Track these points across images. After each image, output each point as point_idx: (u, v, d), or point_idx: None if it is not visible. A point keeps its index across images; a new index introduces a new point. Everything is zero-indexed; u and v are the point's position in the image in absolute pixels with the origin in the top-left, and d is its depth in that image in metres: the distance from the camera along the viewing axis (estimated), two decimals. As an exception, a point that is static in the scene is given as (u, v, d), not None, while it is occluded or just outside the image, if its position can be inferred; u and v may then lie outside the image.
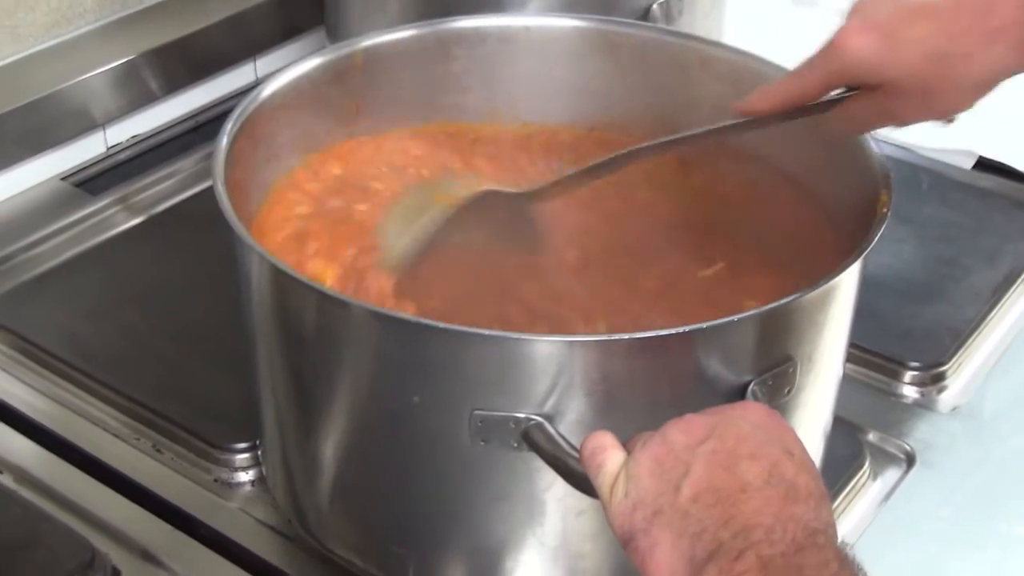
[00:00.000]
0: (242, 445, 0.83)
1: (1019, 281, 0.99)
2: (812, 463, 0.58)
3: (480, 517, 0.68)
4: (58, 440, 0.85)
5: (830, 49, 0.68)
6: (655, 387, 0.63)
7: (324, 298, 0.65)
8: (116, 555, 0.76)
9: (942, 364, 0.91)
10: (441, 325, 0.62)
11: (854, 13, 0.69)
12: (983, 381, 0.91)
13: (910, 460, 0.85)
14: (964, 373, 0.92)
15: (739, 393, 0.64)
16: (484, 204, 0.79)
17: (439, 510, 0.68)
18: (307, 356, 0.69)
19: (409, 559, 0.71)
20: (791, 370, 0.66)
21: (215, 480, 0.82)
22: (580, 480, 0.60)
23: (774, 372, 0.65)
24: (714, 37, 1.10)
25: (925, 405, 0.89)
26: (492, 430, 0.63)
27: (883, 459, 0.85)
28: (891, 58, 0.67)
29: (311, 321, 0.67)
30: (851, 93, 0.70)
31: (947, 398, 0.90)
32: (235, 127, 0.74)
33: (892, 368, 0.90)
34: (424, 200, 0.81)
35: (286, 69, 0.80)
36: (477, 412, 0.62)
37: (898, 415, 0.88)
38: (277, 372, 0.72)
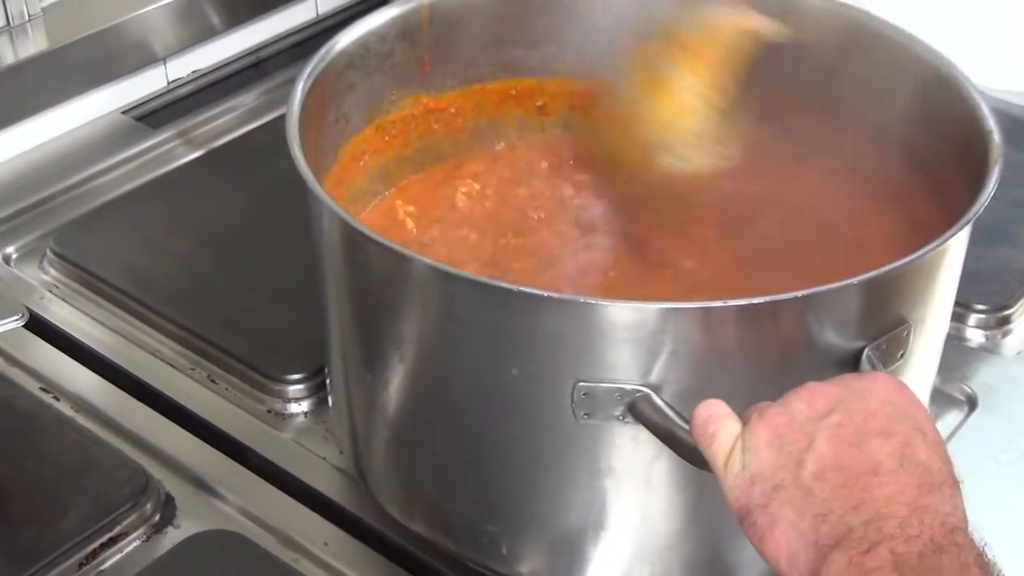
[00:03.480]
0: (296, 376, 0.83)
1: (1091, 223, 0.97)
2: (944, 445, 0.54)
3: (582, 493, 0.66)
4: (114, 369, 0.86)
5: None
6: (765, 355, 0.61)
7: (419, 265, 0.63)
8: (169, 482, 0.77)
9: (1008, 307, 0.90)
10: (545, 293, 0.60)
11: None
12: (1050, 326, 0.89)
13: (972, 404, 0.84)
14: (1030, 317, 0.90)
15: (853, 359, 0.61)
16: None
17: (537, 486, 0.67)
18: (388, 323, 0.66)
19: (502, 537, 0.69)
20: (905, 334, 0.64)
21: (268, 411, 0.82)
22: (691, 452, 0.57)
23: (889, 336, 0.63)
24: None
25: (989, 349, 0.88)
26: (597, 402, 0.61)
27: (944, 402, 0.83)
28: None
29: (398, 289, 0.65)
30: None
31: (1012, 342, 0.88)
32: (306, 87, 0.73)
33: (957, 311, 0.87)
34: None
35: (351, 27, 0.79)
36: (581, 384, 0.61)
37: (962, 358, 0.86)
38: (351, 329, 0.70)
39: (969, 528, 0.51)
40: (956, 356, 0.86)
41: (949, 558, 0.49)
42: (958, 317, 0.88)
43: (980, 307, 0.89)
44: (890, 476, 0.51)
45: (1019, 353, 0.87)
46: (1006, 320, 0.89)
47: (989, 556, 0.50)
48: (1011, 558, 0.52)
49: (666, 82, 0.80)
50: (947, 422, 0.82)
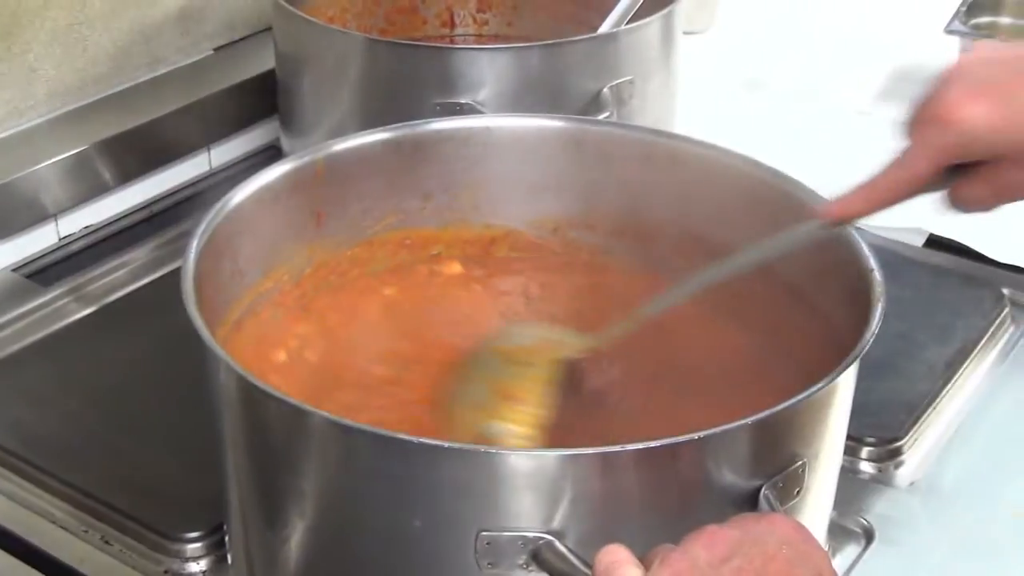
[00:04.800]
0: (194, 535, 0.81)
1: (972, 355, 1.00)
2: None
3: None
4: (4, 534, 0.83)
5: (934, 124, 0.61)
6: (665, 498, 0.61)
7: (317, 419, 0.62)
8: (62, 651, 0.75)
9: (898, 439, 0.91)
10: (445, 444, 0.60)
11: (956, 78, 0.61)
12: (940, 455, 0.91)
13: (868, 536, 0.84)
14: (920, 447, 0.92)
15: (751, 498, 0.62)
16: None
17: None
18: (289, 478, 0.66)
19: None
20: (801, 470, 0.65)
21: (166, 572, 0.80)
22: None
23: (785, 474, 0.64)
24: (665, 121, 1.12)
25: (882, 480, 0.89)
26: (500, 551, 0.61)
27: (842, 535, 0.84)
28: (1014, 124, 0.60)
29: (296, 443, 0.65)
30: (962, 171, 0.64)
31: (904, 473, 0.90)
32: (200, 242, 0.73)
33: (849, 444, 0.88)
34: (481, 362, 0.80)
35: (246, 182, 0.79)
36: (484, 533, 0.60)
37: (857, 490, 0.87)
38: (247, 488, 0.69)
39: None
40: (851, 489, 0.87)
41: None
42: (851, 450, 0.90)
43: (871, 439, 0.91)
44: None
45: (912, 484, 0.89)
46: (897, 452, 0.91)
47: None
48: None
49: None
50: (846, 555, 0.83)
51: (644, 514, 0.61)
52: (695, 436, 0.59)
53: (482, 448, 0.61)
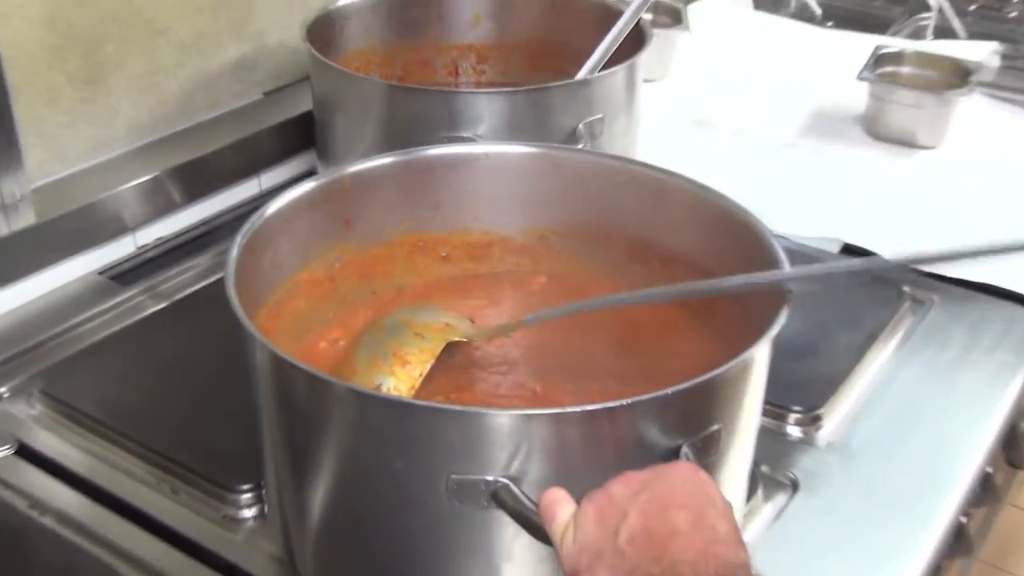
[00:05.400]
0: (246, 487, 0.81)
1: (878, 340, 1.00)
2: (732, 512, 0.56)
3: (457, 567, 0.66)
4: (92, 487, 0.83)
5: None
6: (602, 451, 0.62)
7: (315, 380, 0.64)
8: (139, 581, 0.75)
9: (819, 407, 0.91)
10: (421, 403, 0.61)
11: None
12: (852, 421, 0.91)
13: (795, 486, 0.84)
14: (837, 415, 0.92)
15: (674, 454, 0.62)
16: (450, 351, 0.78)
17: (420, 561, 0.66)
18: (302, 428, 0.67)
19: None
20: (717, 434, 0.65)
21: (223, 516, 0.81)
22: (539, 531, 0.59)
23: (703, 436, 0.64)
24: (629, 151, 1.13)
25: (806, 441, 0.89)
26: (466, 491, 0.61)
27: (773, 486, 0.84)
28: None
29: (305, 398, 0.66)
30: None
31: (823, 435, 0.90)
32: (243, 240, 0.73)
33: (779, 412, 0.90)
34: (392, 325, 0.80)
35: (285, 192, 0.80)
36: (453, 476, 0.61)
37: (785, 449, 0.88)
38: (278, 440, 0.70)
39: (751, 571, 0.53)
40: (780, 448, 0.88)
41: None
42: (779, 416, 0.90)
43: (797, 408, 0.91)
44: (685, 536, 0.54)
45: (830, 444, 0.89)
46: (818, 418, 0.91)
47: None
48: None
49: None
50: (777, 501, 0.83)
51: (584, 465, 0.62)
52: (627, 402, 0.60)
53: (450, 407, 0.62)
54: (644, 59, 1.12)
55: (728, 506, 0.57)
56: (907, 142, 1.33)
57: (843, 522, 0.81)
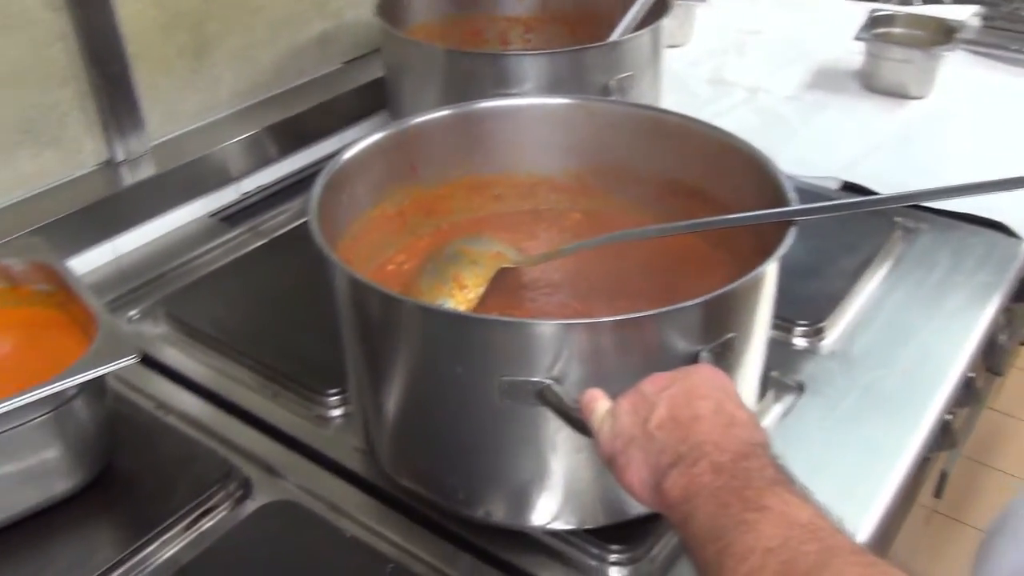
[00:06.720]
0: (333, 391, 0.80)
1: (873, 263, 0.96)
2: (747, 405, 0.54)
3: (509, 455, 0.64)
4: (207, 391, 0.83)
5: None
6: (631, 356, 0.60)
7: (387, 298, 0.62)
8: (247, 468, 0.75)
9: (821, 321, 0.88)
10: (477, 315, 0.59)
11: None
12: (851, 332, 0.88)
13: (801, 389, 0.82)
14: (838, 327, 0.88)
15: (693, 359, 0.60)
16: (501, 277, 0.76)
17: (477, 451, 0.65)
18: (377, 340, 0.65)
19: (459, 486, 0.67)
20: (733, 341, 0.62)
21: (315, 415, 0.80)
22: (577, 424, 0.57)
23: (719, 342, 0.61)
24: (654, 104, 1.08)
25: (811, 350, 0.86)
26: (515, 391, 0.60)
27: (782, 388, 0.82)
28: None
29: (378, 314, 0.64)
30: None
31: (827, 344, 0.87)
32: (324, 181, 0.71)
33: (787, 325, 0.87)
34: (451, 253, 0.77)
35: (359, 141, 0.77)
36: (504, 378, 0.59)
37: (792, 357, 0.85)
38: (357, 351, 0.68)
39: (771, 449, 0.51)
40: (788, 356, 0.84)
41: (754, 459, 0.49)
42: (787, 329, 0.87)
43: (802, 322, 0.87)
44: (707, 420, 0.52)
45: (832, 352, 0.86)
46: (821, 330, 0.87)
47: (783, 463, 0.50)
48: (829, 498, 0.49)
49: None
50: (785, 401, 0.81)
51: (616, 368, 0.60)
52: (652, 312, 0.57)
53: (502, 318, 0.60)
54: (667, 24, 1.08)
55: (743, 400, 0.55)
56: (899, 93, 1.27)
57: (843, 419, 0.79)
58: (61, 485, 0.69)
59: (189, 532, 0.69)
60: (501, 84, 0.98)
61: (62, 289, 0.76)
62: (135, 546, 0.67)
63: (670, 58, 1.11)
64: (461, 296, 0.73)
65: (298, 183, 1.15)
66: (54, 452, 0.68)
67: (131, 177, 1.01)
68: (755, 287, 0.63)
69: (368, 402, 0.70)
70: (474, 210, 0.86)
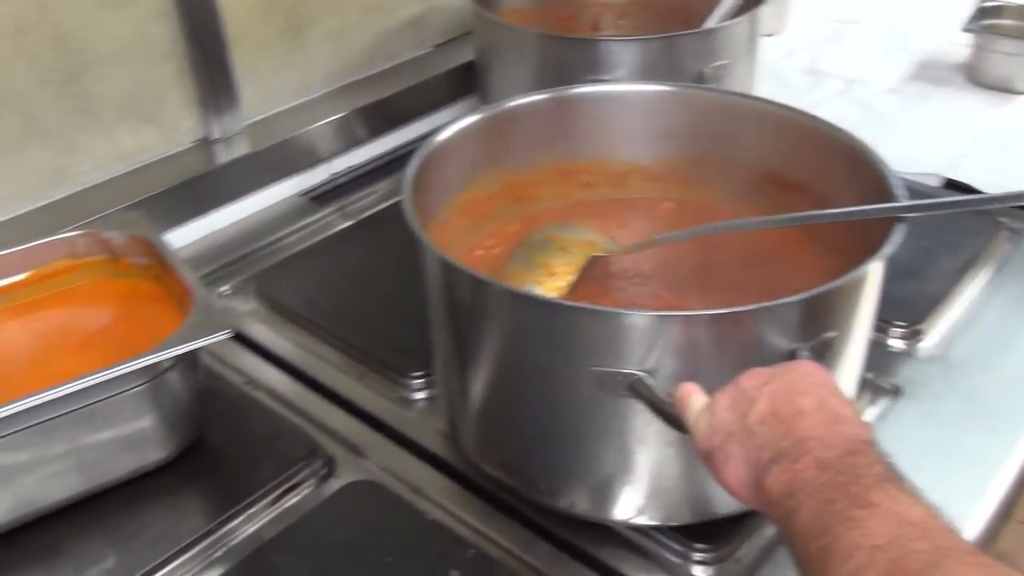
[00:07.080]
0: (418, 373, 0.80)
1: (975, 265, 0.91)
2: (850, 401, 0.52)
3: (595, 446, 0.62)
4: (295, 369, 0.83)
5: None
6: (727, 352, 0.57)
7: (478, 281, 0.61)
8: (332, 447, 0.75)
9: (920, 323, 0.84)
10: (568, 303, 0.57)
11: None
12: (951, 336, 0.84)
13: (898, 393, 0.78)
14: (938, 330, 0.85)
15: (791, 357, 0.57)
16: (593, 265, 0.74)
17: (563, 442, 0.63)
18: (465, 324, 0.64)
19: (542, 476, 0.66)
20: (833, 340, 0.59)
21: (399, 397, 0.80)
22: (670, 418, 0.55)
23: (820, 340, 0.58)
24: (749, 93, 1.05)
25: (909, 353, 0.83)
26: (605, 382, 0.58)
27: (879, 392, 0.78)
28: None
29: (468, 298, 0.63)
30: None
31: (925, 348, 0.83)
32: (418, 162, 0.71)
33: (884, 326, 0.84)
34: (541, 240, 0.76)
35: (451, 124, 0.76)
36: (594, 368, 0.58)
37: (889, 361, 0.81)
38: (445, 334, 0.67)
39: (878, 446, 0.48)
40: (886, 359, 0.81)
41: (861, 456, 0.46)
42: (885, 331, 0.83)
43: (900, 323, 0.84)
44: (810, 416, 0.49)
45: (930, 356, 0.82)
46: (918, 332, 0.84)
47: (893, 462, 0.47)
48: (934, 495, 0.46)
49: None
50: (882, 405, 0.77)
51: (711, 363, 0.57)
52: (751, 307, 0.55)
53: (596, 307, 0.57)
54: (763, 12, 1.04)
55: (846, 396, 0.52)
56: (1006, 88, 1.21)
57: (941, 427, 0.75)
58: (155, 454, 0.71)
59: (273, 508, 0.70)
60: (593, 70, 0.96)
61: (159, 263, 0.77)
62: (221, 519, 0.68)
63: (764, 46, 1.07)
64: (550, 283, 0.72)
65: (386, 165, 1.15)
66: (149, 421, 0.69)
67: (225, 155, 1.02)
68: (859, 286, 0.60)
69: (453, 386, 0.69)
70: (563, 197, 0.84)
